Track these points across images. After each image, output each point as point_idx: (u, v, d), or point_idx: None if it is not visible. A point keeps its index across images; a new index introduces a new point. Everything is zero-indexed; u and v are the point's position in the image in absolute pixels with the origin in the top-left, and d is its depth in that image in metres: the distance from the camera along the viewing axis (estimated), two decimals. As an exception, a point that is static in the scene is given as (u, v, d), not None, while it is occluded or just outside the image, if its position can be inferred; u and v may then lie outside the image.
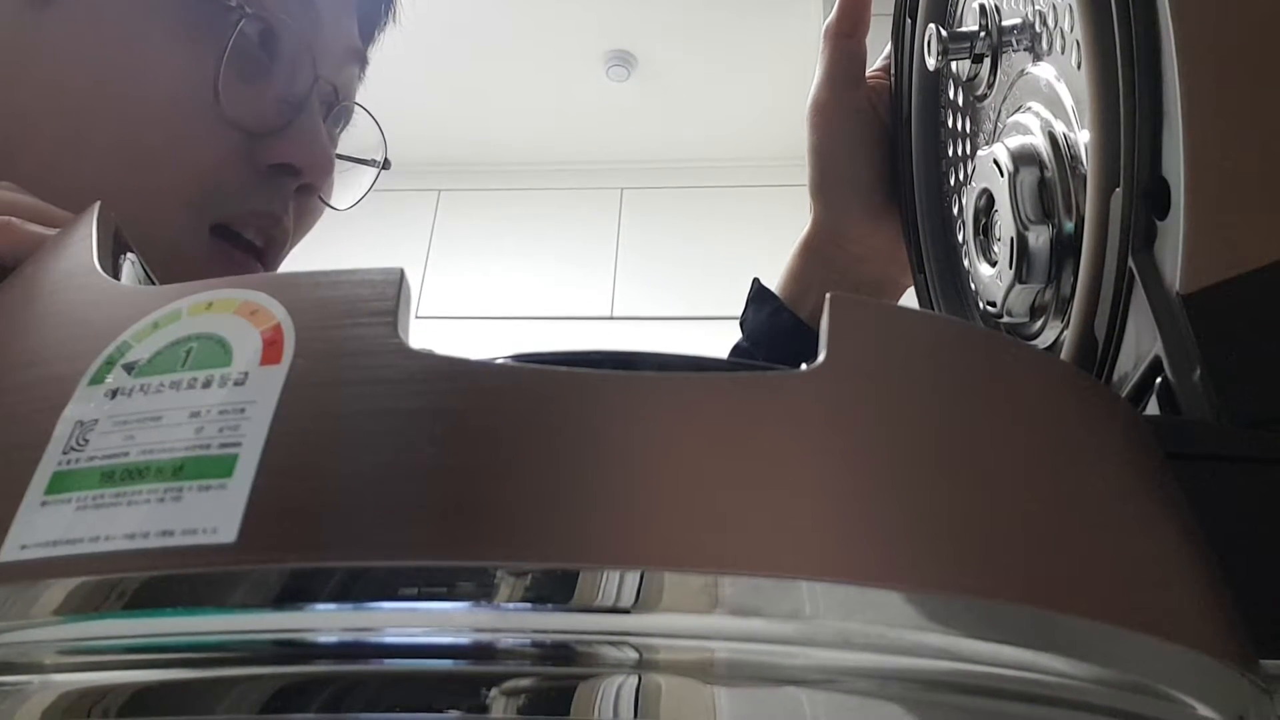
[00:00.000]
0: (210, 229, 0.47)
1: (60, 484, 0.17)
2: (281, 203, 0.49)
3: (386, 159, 0.58)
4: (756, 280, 0.60)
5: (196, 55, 0.45)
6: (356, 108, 0.56)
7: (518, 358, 0.19)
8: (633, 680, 0.16)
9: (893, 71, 0.54)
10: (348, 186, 0.57)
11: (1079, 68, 0.33)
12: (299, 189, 0.50)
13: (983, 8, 0.42)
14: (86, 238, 0.24)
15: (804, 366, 0.19)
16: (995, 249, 0.39)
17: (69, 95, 0.45)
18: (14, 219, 0.30)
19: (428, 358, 0.18)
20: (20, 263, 0.25)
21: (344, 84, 0.53)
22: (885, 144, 0.55)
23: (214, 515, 0.16)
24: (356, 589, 0.15)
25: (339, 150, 0.56)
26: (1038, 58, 0.39)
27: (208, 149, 0.46)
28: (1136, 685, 0.18)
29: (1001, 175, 0.37)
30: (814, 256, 0.58)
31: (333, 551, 0.16)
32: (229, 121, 0.46)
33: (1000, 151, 0.38)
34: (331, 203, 0.55)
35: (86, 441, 0.18)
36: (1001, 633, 0.17)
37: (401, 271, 0.19)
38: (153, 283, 0.26)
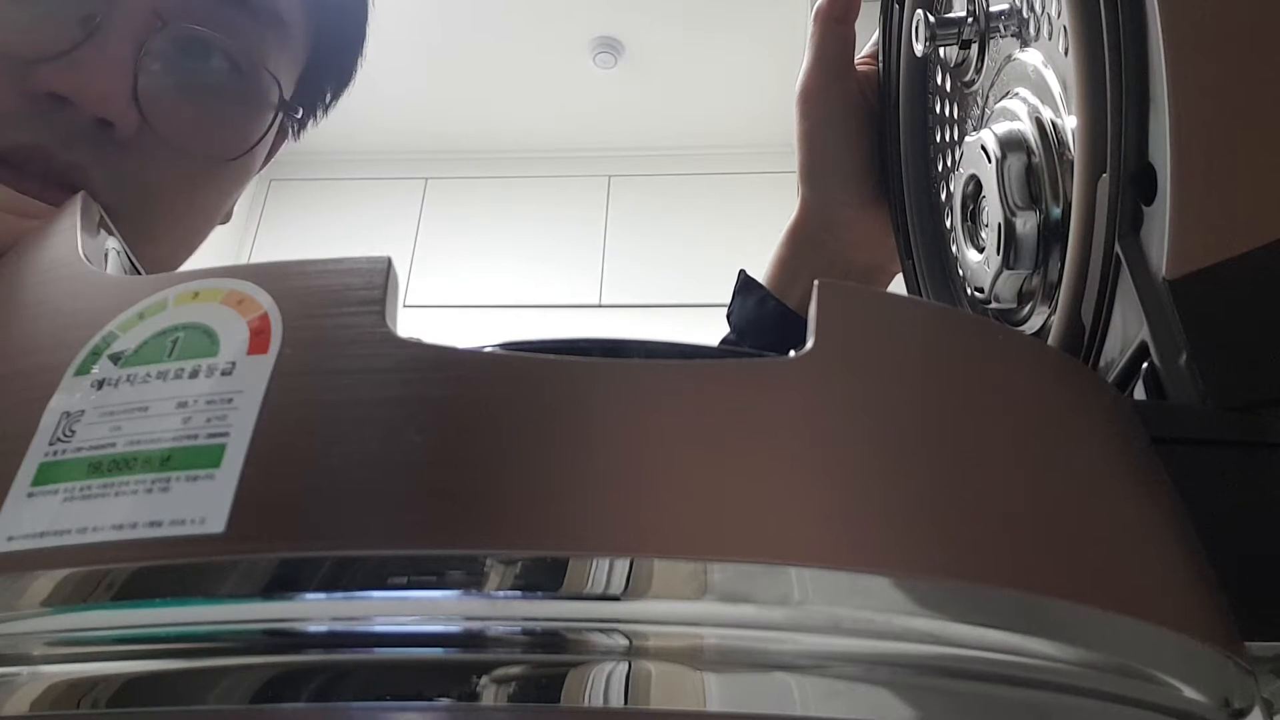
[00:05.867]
0: None
1: (47, 475, 0.17)
2: (56, 137, 0.43)
3: (283, 99, 0.51)
4: (743, 272, 0.60)
5: None
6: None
7: (506, 346, 0.19)
8: (623, 667, 0.16)
9: (880, 57, 0.54)
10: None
11: (1066, 54, 0.33)
12: (102, 125, 0.44)
13: (970, -7, 0.42)
14: (71, 228, 0.24)
15: (792, 353, 0.19)
16: (983, 235, 0.40)
17: None
18: None
19: (416, 346, 0.18)
20: (1, 255, 0.25)
21: (174, 7, 0.46)
22: (874, 130, 0.55)
23: (202, 505, 0.16)
24: (346, 578, 0.15)
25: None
26: (1025, 44, 0.39)
27: None
28: (1122, 668, 0.18)
29: (989, 161, 0.37)
30: (803, 243, 0.58)
31: (322, 541, 0.16)
32: None
33: (988, 137, 0.38)
34: (211, 151, 0.49)
35: (73, 433, 0.18)
36: (989, 617, 0.17)
37: (389, 260, 0.19)
38: (138, 272, 0.26)
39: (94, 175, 0.44)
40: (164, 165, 0.47)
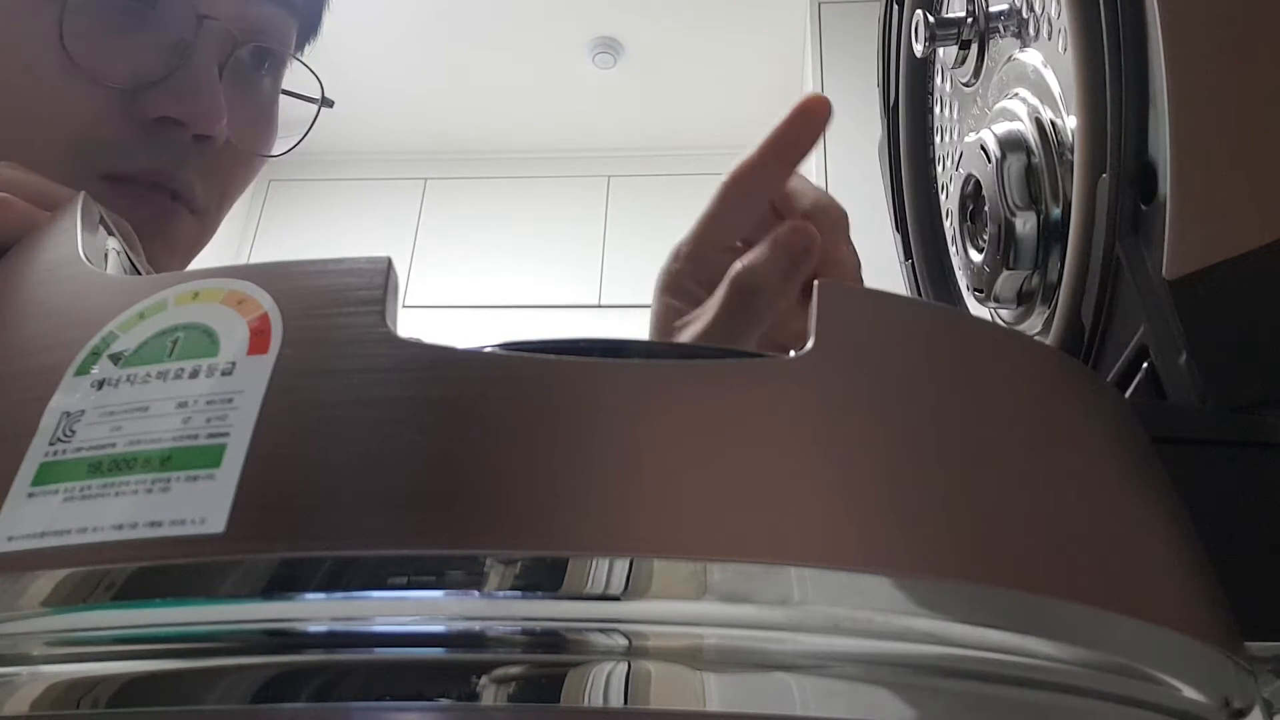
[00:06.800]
0: (103, 179, 0.46)
1: (47, 475, 0.17)
2: (172, 157, 0.47)
3: (326, 97, 0.56)
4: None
5: (49, 14, 0.44)
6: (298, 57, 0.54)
7: (505, 346, 0.19)
8: (622, 667, 0.16)
9: (879, 57, 0.54)
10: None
11: (1065, 54, 0.33)
12: (199, 139, 0.48)
13: (969, -7, 0.42)
14: (71, 228, 0.24)
15: (793, 353, 0.19)
16: (982, 235, 0.40)
17: None
18: (12, 197, 0.30)
19: (416, 346, 0.18)
20: (16, 241, 0.25)
21: (251, 24, 0.50)
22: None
23: (202, 505, 0.16)
24: (346, 578, 0.15)
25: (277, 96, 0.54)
26: (1025, 44, 0.39)
27: (73, 108, 0.45)
28: (1122, 668, 0.18)
29: (988, 161, 0.37)
30: None
31: (321, 541, 0.16)
32: (90, 77, 0.45)
33: (987, 137, 0.38)
34: (266, 149, 0.54)
35: (73, 433, 0.18)
36: (989, 617, 0.17)
37: (389, 260, 0.19)
38: (138, 272, 0.26)
39: (197, 187, 0.49)
40: (232, 166, 0.52)
